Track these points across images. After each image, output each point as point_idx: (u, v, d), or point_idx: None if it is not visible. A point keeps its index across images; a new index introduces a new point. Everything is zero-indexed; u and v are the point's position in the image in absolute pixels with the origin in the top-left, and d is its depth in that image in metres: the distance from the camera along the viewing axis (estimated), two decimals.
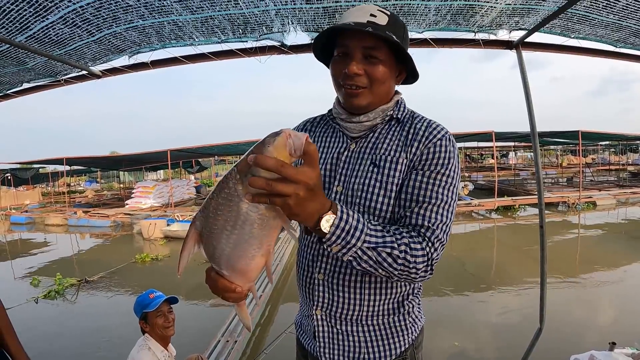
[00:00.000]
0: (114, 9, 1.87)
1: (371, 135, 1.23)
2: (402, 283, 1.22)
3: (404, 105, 1.26)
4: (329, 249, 0.98)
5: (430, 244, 1.03)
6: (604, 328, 4.07)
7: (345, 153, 1.23)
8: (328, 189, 1.22)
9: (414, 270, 1.01)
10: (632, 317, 5.15)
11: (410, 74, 1.23)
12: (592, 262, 8.20)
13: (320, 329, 1.26)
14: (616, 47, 2.80)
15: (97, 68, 2.92)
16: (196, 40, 2.34)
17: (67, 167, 22.23)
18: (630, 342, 3.68)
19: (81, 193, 29.36)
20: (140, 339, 2.56)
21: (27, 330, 5.08)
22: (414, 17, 2.11)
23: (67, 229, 15.11)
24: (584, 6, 2.04)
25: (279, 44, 2.43)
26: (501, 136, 17.79)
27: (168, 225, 12.56)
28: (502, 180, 22.17)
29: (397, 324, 1.25)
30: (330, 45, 1.19)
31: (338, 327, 1.24)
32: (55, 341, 5.03)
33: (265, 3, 1.88)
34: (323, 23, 2.15)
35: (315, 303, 1.24)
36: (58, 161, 20.30)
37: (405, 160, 1.14)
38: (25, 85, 3.32)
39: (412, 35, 2.30)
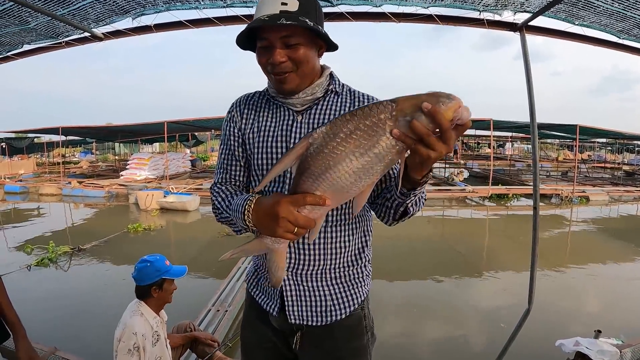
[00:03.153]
0: None
1: (315, 107, 1.34)
2: (358, 237, 1.38)
3: (338, 79, 1.39)
4: (416, 192, 1.13)
5: None
6: (590, 319, 4.16)
7: (294, 124, 1.33)
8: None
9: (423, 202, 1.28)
10: (618, 310, 5.26)
11: (329, 46, 1.30)
12: (582, 255, 8.31)
13: (288, 288, 1.36)
14: (619, 38, 2.83)
15: (99, 30, 2.88)
16: (202, 3, 2.33)
17: (63, 137, 22.09)
18: (616, 334, 3.77)
19: (76, 164, 29.24)
20: (132, 303, 2.54)
21: (19, 296, 5.11)
22: None
23: (61, 198, 15.07)
24: None
25: None
26: (499, 125, 17.78)
27: (165, 196, 12.58)
28: (497, 170, 22.23)
29: (356, 276, 1.41)
30: (253, 36, 1.25)
31: (304, 284, 1.36)
32: (46, 307, 5.05)
33: None
34: None
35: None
36: (54, 130, 20.19)
37: None
38: (26, 47, 3.31)
39: (418, 10, 2.32)
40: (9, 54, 3.46)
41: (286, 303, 1.36)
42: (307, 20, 1.16)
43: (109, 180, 17.58)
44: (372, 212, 1.40)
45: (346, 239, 1.35)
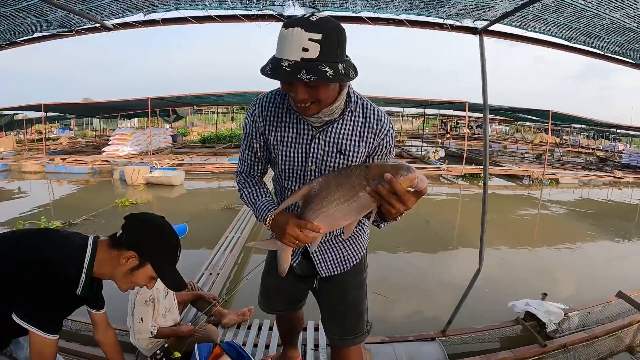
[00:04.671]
0: None
1: (332, 126, 1.55)
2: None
3: (354, 94, 1.56)
4: (388, 223, 1.57)
5: None
6: (542, 288, 4.63)
7: (313, 141, 1.57)
8: (303, 166, 1.62)
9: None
10: (569, 282, 5.88)
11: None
12: (546, 232, 8.97)
13: (317, 254, 1.84)
14: (570, 42, 3.17)
15: (110, 22, 3.15)
16: (208, 4, 2.69)
17: (44, 114, 21.82)
18: (567, 301, 4.28)
19: (55, 140, 28.82)
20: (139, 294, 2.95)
21: None
22: (392, 4, 2.53)
23: (45, 175, 15.02)
24: (536, 8, 2.44)
25: (277, 14, 2.80)
26: (475, 107, 18.31)
27: (151, 172, 12.86)
28: (473, 150, 22.73)
29: (359, 239, 1.90)
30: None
31: (326, 251, 1.85)
32: None
33: None
34: (317, 1, 2.55)
35: None
36: (36, 107, 20.01)
37: (364, 150, 1.59)
38: (37, 34, 3.47)
39: (390, 16, 2.73)
40: (19, 40, 3.62)
41: (316, 262, 1.85)
42: (327, 69, 1.25)
43: (91, 156, 17.58)
44: None
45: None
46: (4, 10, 2.74)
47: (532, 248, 7.53)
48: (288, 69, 1.23)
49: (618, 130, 28.34)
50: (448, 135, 32.63)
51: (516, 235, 8.29)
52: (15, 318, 1.48)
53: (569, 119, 21.14)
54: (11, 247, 1.56)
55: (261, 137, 1.65)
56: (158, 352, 2.84)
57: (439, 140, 30.86)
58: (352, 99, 1.55)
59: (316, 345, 3.14)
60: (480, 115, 31.08)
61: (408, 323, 4.39)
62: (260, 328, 3.44)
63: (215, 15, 2.90)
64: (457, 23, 2.81)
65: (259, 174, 1.79)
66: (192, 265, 5.06)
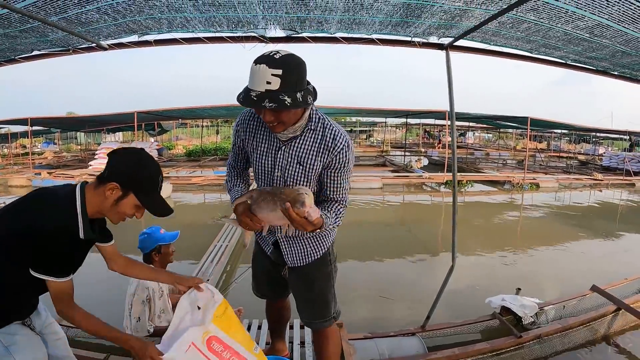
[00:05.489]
0: (142, 4, 2.45)
1: (295, 140, 1.86)
2: None
3: (315, 115, 1.85)
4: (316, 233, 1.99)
5: (342, 209, 1.96)
6: (522, 285, 4.83)
7: (280, 152, 1.90)
8: (271, 172, 1.96)
9: (343, 217, 1.97)
10: (548, 279, 6.16)
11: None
12: (525, 234, 9.33)
13: (283, 245, 2.17)
14: (532, 53, 3.40)
15: (106, 42, 3.33)
16: (197, 29, 2.93)
17: (30, 128, 21.72)
18: (541, 296, 4.53)
19: (40, 154, 28.62)
20: None
21: None
22: (364, 26, 2.81)
23: (32, 189, 14.94)
24: (494, 25, 2.69)
25: (260, 36, 3.05)
26: (456, 116, 18.72)
27: None
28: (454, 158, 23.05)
29: (324, 233, 2.16)
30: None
31: (292, 244, 2.15)
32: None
33: (255, 11, 2.54)
34: (295, 25, 2.84)
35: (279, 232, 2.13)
36: (22, 121, 19.97)
37: (320, 164, 1.90)
38: (35, 52, 3.59)
39: (362, 35, 3.04)
40: (17, 57, 3.72)
41: (283, 254, 2.18)
42: (286, 98, 1.55)
43: (78, 170, 17.58)
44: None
45: None
46: (8, 31, 2.91)
47: (511, 249, 7.81)
48: (255, 98, 1.56)
49: (598, 134, 28.94)
50: (438, 145, 33.11)
51: (496, 237, 8.65)
52: (32, 272, 1.63)
53: (548, 124, 21.62)
54: (9, 219, 1.67)
55: (242, 143, 2.04)
56: None
57: (422, 150, 31.31)
58: (313, 120, 1.85)
59: (302, 342, 3.33)
60: (462, 123, 31.66)
61: (390, 320, 4.62)
62: (249, 327, 3.62)
63: (203, 37, 3.12)
64: (424, 40, 3.09)
65: (241, 167, 2.19)
66: (182, 273, 5.19)
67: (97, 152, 19.47)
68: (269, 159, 1.94)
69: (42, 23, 2.73)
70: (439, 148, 30.82)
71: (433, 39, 3.07)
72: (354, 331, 3.68)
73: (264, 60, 1.56)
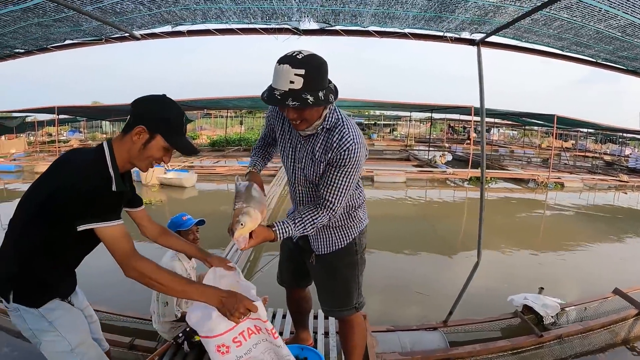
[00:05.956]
0: None
1: (312, 137, 1.94)
2: (348, 203, 2.14)
3: (332, 115, 1.90)
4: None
5: (327, 209, 1.93)
6: (544, 285, 4.80)
7: (299, 146, 2.01)
8: (292, 163, 2.08)
9: (320, 223, 1.95)
10: (569, 280, 6.11)
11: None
12: (549, 233, 9.22)
13: (311, 235, 2.23)
14: (563, 51, 3.37)
15: (139, 32, 3.38)
16: (231, 19, 2.96)
17: (57, 116, 22.12)
18: (563, 296, 4.49)
19: (65, 142, 29.13)
20: (169, 252, 3.17)
21: None
22: (398, 20, 2.81)
23: None
24: (527, 22, 2.68)
25: (293, 28, 3.08)
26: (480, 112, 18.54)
27: (165, 173, 13.23)
28: (480, 154, 22.69)
29: (348, 225, 2.23)
30: None
31: (318, 230, 2.19)
32: None
33: (291, 3, 2.57)
34: (330, 18, 2.84)
35: None
36: (49, 110, 20.35)
37: (325, 161, 1.92)
38: (67, 42, 3.65)
39: (395, 30, 3.03)
40: (49, 46, 3.79)
41: (310, 240, 2.27)
42: (308, 96, 1.64)
43: None
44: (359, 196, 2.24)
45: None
46: (42, 20, 2.97)
47: (535, 248, 7.73)
48: (279, 97, 1.65)
49: (625, 135, 28.34)
50: (469, 141, 32.65)
51: (520, 236, 8.53)
52: (80, 227, 1.59)
53: (575, 123, 21.25)
54: (45, 184, 1.69)
55: (271, 127, 2.18)
56: (180, 335, 3.06)
57: (446, 145, 31.00)
58: (328, 120, 1.89)
59: (326, 333, 3.37)
60: (488, 119, 31.23)
61: (413, 316, 4.66)
62: (274, 316, 3.67)
63: (237, 28, 3.16)
64: (456, 36, 3.08)
65: (267, 144, 2.30)
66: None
67: None
68: (291, 151, 2.07)
69: (77, 12, 2.78)
70: (469, 144, 30.47)
71: (465, 35, 3.05)
72: (373, 324, 3.70)
73: (287, 60, 1.63)
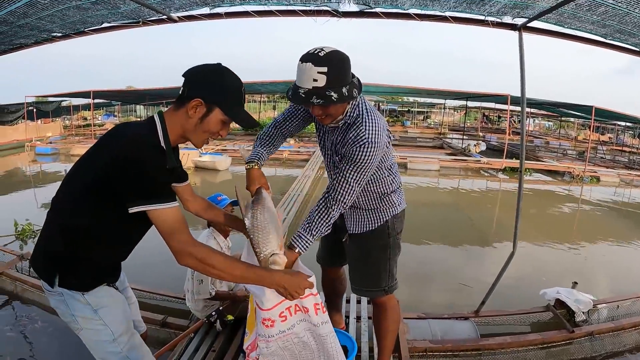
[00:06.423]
0: None
1: (336, 130, 2.00)
2: (372, 197, 2.23)
3: (354, 110, 1.91)
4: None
5: (337, 202, 1.93)
6: (569, 279, 4.74)
7: (326, 136, 2.11)
8: (324, 150, 2.17)
9: (333, 218, 1.98)
10: (603, 276, 6.00)
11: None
12: (583, 228, 9.04)
13: (347, 214, 2.34)
14: (605, 38, 3.24)
15: (177, 14, 3.37)
16: (270, 1, 2.95)
17: (92, 101, 22.62)
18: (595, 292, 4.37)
19: (101, 126, 29.73)
20: (205, 231, 3.27)
21: None
22: (439, 3, 2.76)
23: None
24: (571, 7, 2.58)
25: (333, 10, 3.05)
26: (516, 100, 18.18)
27: (200, 156, 13.47)
28: (515, 144, 21.79)
29: (382, 207, 2.26)
30: None
31: (353, 213, 2.31)
32: None
33: None
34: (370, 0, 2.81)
35: None
36: (85, 94, 20.74)
37: (342, 152, 1.96)
38: (105, 25, 3.66)
39: (435, 12, 2.97)
40: (86, 29, 3.80)
41: (345, 219, 2.35)
42: (332, 93, 1.67)
43: None
44: (390, 182, 2.24)
45: (366, 200, 2.24)
46: (80, 3, 3.00)
47: (568, 241, 7.58)
48: (303, 95, 1.68)
49: None
50: (509, 131, 31.87)
51: (553, 229, 8.37)
52: (132, 210, 1.48)
53: (614, 115, 20.58)
54: (93, 159, 1.59)
55: (293, 114, 2.18)
56: (213, 313, 3.12)
57: (480, 134, 30.49)
58: (349, 114, 1.92)
59: (358, 317, 3.38)
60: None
61: (445, 304, 4.67)
62: None
63: (276, 10, 3.15)
64: (498, 20, 2.99)
65: (275, 136, 2.24)
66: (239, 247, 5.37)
67: None
68: (321, 140, 2.17)
69: None
70: (510, 134, 29.71)
71: (507, 19, 2.97)
72: (404, 311, 3.70)
73: (310, 58, 1.65)
